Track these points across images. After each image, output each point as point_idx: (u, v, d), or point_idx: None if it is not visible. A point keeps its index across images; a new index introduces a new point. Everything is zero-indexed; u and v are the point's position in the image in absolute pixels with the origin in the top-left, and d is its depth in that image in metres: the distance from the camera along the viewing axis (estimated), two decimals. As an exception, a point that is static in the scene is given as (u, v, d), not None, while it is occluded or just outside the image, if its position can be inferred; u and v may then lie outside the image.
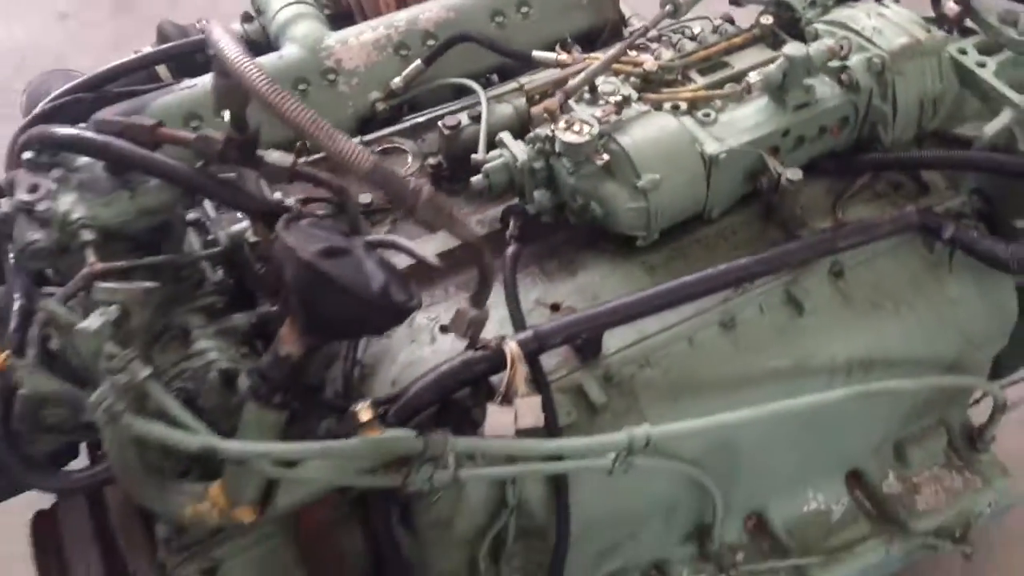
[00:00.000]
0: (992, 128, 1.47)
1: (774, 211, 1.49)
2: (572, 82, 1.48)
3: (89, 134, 1.11)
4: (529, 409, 1.22)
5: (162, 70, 1.88)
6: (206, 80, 1.64)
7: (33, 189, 1.13)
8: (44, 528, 1.33)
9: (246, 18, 1.97)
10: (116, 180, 1.15)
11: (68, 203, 1.13)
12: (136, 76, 1.83)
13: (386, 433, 1.06)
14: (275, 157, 1.11)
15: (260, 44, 1.93)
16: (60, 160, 1.17)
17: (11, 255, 1.19)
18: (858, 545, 1.61)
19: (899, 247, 1.49)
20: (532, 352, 1.26)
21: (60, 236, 1.12)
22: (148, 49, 1.88)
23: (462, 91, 1.76)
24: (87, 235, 1.11)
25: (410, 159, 1.65)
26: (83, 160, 1.18)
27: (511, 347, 1.23)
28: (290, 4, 1.83)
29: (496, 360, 1.23)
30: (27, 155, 1.16)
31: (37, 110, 1.72)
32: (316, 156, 1.46)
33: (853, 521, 1.64)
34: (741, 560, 1.57)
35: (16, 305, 1.16)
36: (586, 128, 1.38)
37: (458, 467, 1.11)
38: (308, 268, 0.95)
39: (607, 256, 1.47)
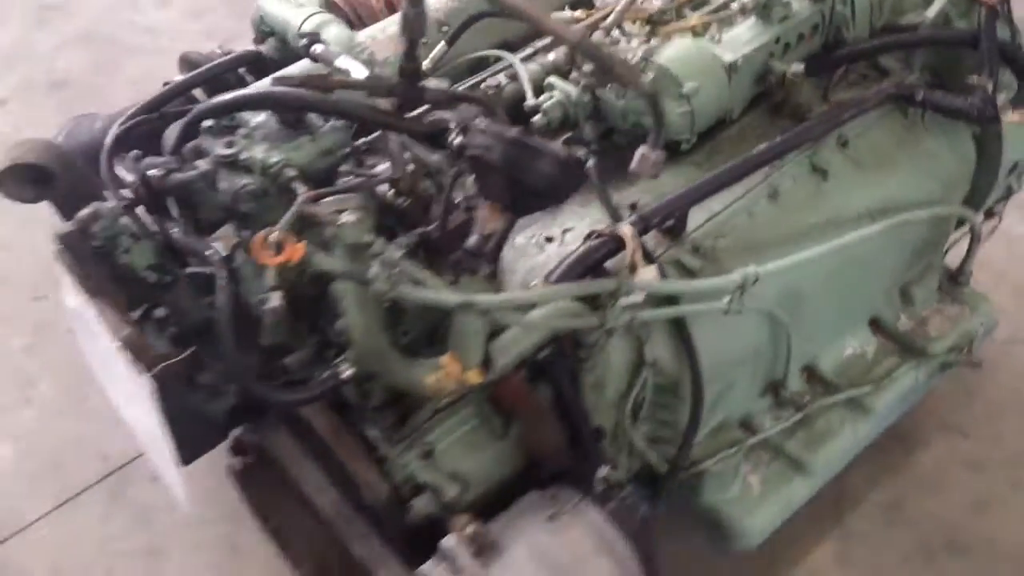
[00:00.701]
0: (932, 10, 1.85)
1: (782, 104, 1.81)
2: (605, 22, 1.77)
3: (279, 88, 1.31)
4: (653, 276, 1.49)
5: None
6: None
7: (229, 145, 1.32)
8: (247, 473, 1.47)
9: (260, 40, 2.17)
10: (292, 130, 1.35)
11: (263, 151, 1.32)
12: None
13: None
14: (433, 84, 1.34)
15: (278, 61, 2.14)
16: (237, 123, 1.36)
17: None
18: (894, 374, 1.94)
19: (883, 118, 1.84)
20: (640, 232, 1.52)
21: (263, 179, 1.31)
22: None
23: (478, 67, 2.02)
24: (290, 172, 1.30)
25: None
26: (258, 119, 1.37)
27: (625, 230, 1.49)
28: (312, 15, 2.04)
29: (614, 243, 1.48)
30: (207, 124, 1.36)
31: (109, 138, 1.87)
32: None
33: (884, 358, 1.96)
34: (807, 401, 1.87)
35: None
36: (629, 55, 1.67)
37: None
38: (517, 143, 1.18)
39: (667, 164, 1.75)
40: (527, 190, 1.23)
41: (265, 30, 2.14)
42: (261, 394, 1.32)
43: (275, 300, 1.24)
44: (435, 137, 1.37)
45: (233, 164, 1.33)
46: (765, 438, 1.81)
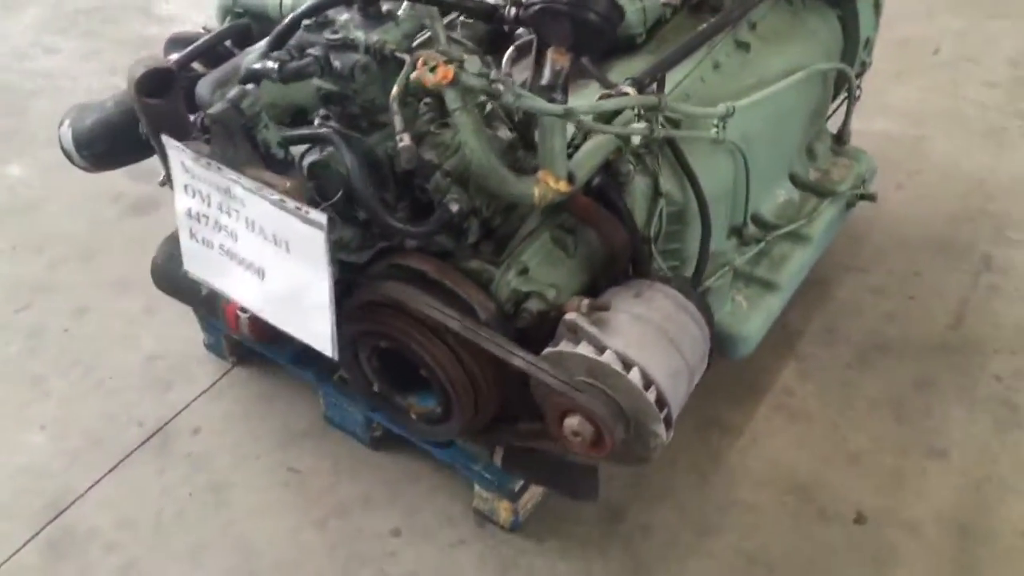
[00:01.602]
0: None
1: (702, 4, 2.28)
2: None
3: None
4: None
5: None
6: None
7: (335, 32, 1.60)
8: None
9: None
10: (375, 20, 1.65)
11: (362, 35, 1.61)
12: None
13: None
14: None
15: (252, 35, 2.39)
16: (330, 20, 1.65)
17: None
18: (818, 210, 2.42)
19: (775, 6, 2.34)
20: (638, 91, 1.91)
21: (368, 57, 1.60)
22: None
23: None
24: (391, 46, 1.60)
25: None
26: (344, 16, 1.66)
27: (626, 88, 1.88)
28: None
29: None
30: (306, 22, 1.64)
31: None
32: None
33: (807, 201, 2.44)
34: (763, 237, 2.31)
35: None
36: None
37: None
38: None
39: (623, 57, 2.16)
40: (589, 28, 1.59)
41: (238, 11, 2.41)
42: (396, 229, 1.59)
43: (406, 139, 1.54)
44: (490, 16, 1.71)
45: (343, 46, 1.61)
46: (737, 268, 2.23)
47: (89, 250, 2.85)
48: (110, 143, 2.20)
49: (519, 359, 1.62)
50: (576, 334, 1.60)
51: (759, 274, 2.26)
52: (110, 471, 2.26)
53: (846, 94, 2.54)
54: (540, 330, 1.70)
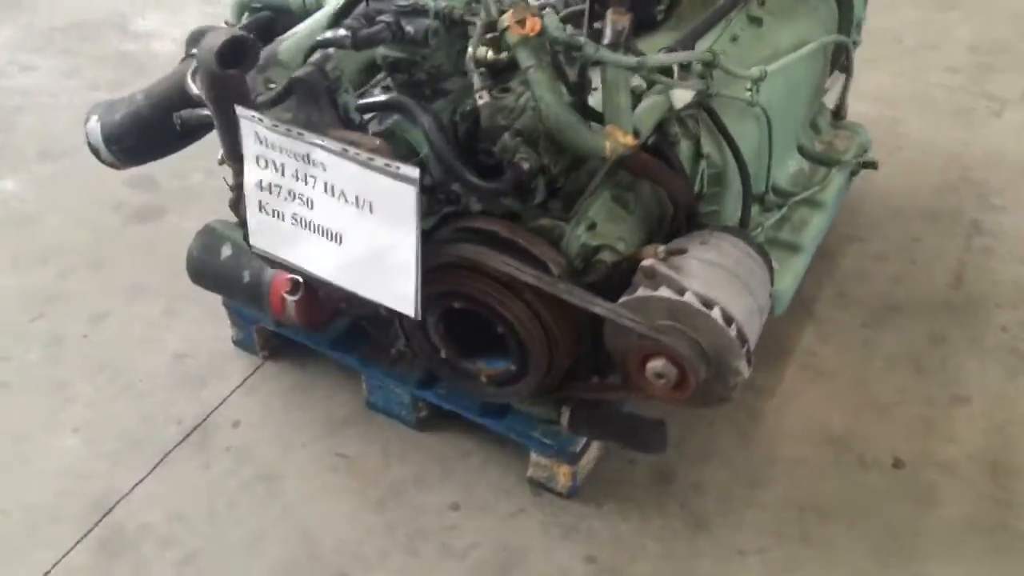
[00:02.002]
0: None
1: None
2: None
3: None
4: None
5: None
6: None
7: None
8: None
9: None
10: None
11: (431, 0, 1.66)
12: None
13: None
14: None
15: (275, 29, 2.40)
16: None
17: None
18: (828, 177, 2.53)
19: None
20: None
21: (437, 21, 1.65)
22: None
23: None
24: (459, 10, 1.66)
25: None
26: None
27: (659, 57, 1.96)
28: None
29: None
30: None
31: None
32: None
33: (816, 170, 2.55)
34: (783, 203, 2.40)
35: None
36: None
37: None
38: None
39: (645, 33, 2.24)
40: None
41: (256, 6, 2.43)
42: (476, 186, 1.64)
43: (486, 96, 1.58)
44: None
45: (413, 12, 1.65)
46: (764, 233, 2.32)
47: (97, 259, 2.80)
48: (141, 136, 2.20)
49: (600, 307, 1.67)
50: (655, 279, 1.65)
51: (783, 237, 2.35)
52: (153, 469, 2.23)
53: (840, 70, 2.68)
54: (608, 283, 1.75)
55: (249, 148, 1.70)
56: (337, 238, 1.70)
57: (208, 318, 2.55)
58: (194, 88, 2.05)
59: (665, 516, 2.12)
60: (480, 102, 1.60)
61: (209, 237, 2.24)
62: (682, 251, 1.68)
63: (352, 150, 1.56)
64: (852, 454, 2.26)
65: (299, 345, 2.44)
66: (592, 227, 1.77)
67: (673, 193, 1.81)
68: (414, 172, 1.52)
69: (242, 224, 1.96)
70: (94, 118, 2.24)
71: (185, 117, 2.11)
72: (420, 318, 1.68)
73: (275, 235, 1.78)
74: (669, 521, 2.12)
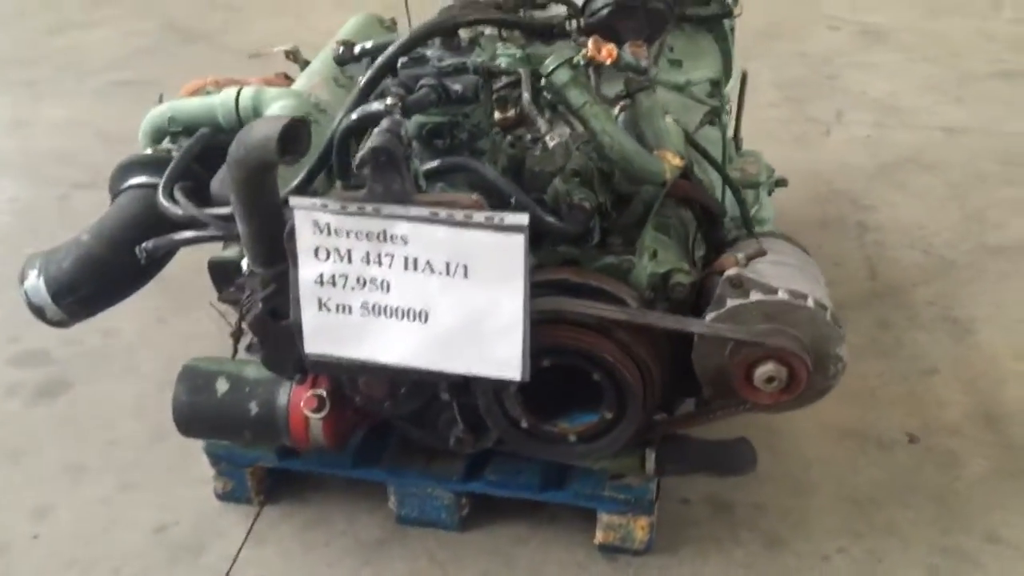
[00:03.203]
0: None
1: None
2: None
3: (451, 17, 1.64)
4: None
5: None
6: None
7: (440, 60, 1.60)
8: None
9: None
10: (458, 49, 1.67)
11: (469, 59, 1.62)
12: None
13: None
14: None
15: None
16: (421, 55, 1.64)
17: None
18: (758, 200, 2.68)
19: (673, 32, 2.62)
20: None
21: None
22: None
23: None
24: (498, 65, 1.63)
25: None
26: (430, 51, 1.66)
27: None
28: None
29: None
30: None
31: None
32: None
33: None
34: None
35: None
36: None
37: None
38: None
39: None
40: (657, 16, 1.72)
41: (174, 130, 2.24)
42: (557, 229, 1.59)
43: (556, 136, 1.55)
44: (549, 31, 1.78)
45: (455, 71, 1.59)
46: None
47: (12, 450, 2.40)
48: (99, 281, 1.97)
49: (699, 326, 1.65)
50: (742, 287, 1.66)
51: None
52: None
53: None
54: (683, 307, 1.75)
55: (305, 241, 1.55)
56: (421, 316, 1.57)
57: (176, 480, 2.26)
58: (173, 208, 1.87)
59: (741, 544, 2.09)
60: (552, 143, 1.56)
61: (195, 378, 2.00)
62: (762, 253, 1.72)
63: (443, 212, 1.47)
64: (871, 440, 2.36)
65: (296, 481, 2.22)
66: (654, 255, 1.76)
67: (710, 210, 1.85)
68: (522, 219, 1.45)
69: (261, 345, 1.79)
70: (32, 274, 1.96)
71: (152, 247, 1.91)
72: (528, 379, 1.58)
73: (339, 333, 1.62)
74: (747, 548, 2.08)
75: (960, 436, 2.36)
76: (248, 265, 1.68)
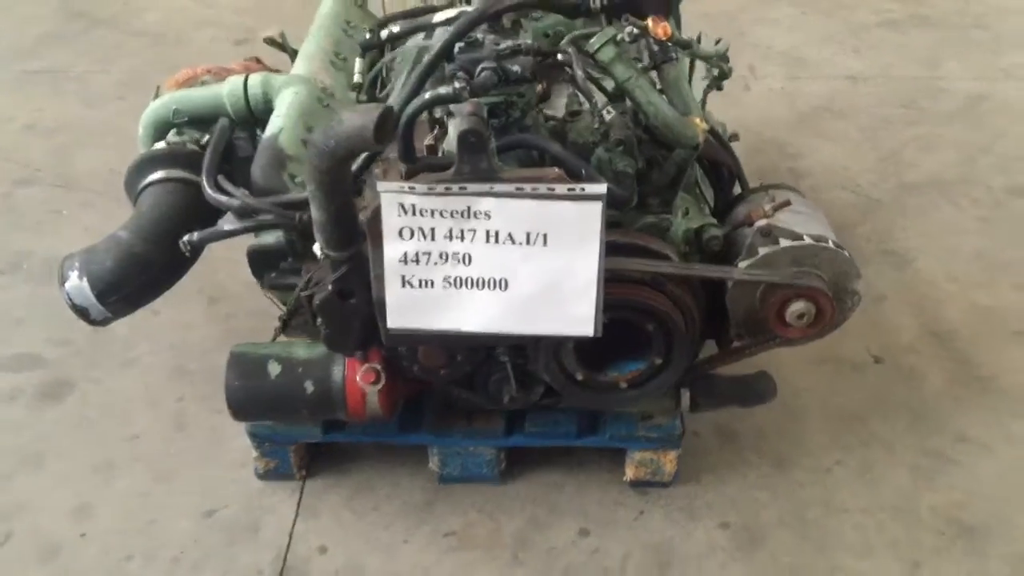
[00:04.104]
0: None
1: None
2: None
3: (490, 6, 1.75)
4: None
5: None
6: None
7: (496, 44, 1.71)
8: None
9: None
10: (508, 32, 1.78)
11: (523, 41, 1.74)
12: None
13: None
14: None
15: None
16: (474, 40, 1.74)
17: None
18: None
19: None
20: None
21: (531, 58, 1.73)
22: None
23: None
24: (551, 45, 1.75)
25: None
26: (478, 35, 1.76)
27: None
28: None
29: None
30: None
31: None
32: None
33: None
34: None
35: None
36: None
37: None
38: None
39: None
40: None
41: (178, 122, 2.25)
42: (620, 196, 1.74)
43: (613, 110, 1.70)
44: (575, 9, 1.91)
45: (512, 53, 1.70)
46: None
47: (31, 456, 2.37)
48: (143, 277, 2.00)
49: (740, 274, 1.84)
50: (771, 235, 1.86)
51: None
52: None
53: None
54: (716, 256, 1.94)
55: (390, 223, 1.64)
56: (501, 284, 1.69)
57: (210, 465, 2.32)
58: (226, 200, 1.92)
59: (753, 466, 2.33)
60: (609, 116, 1.71)
61: (245, 363, 2.05)
62: (786, 204, 1.92)
63: (528, 187, 1.59)
64: (844, 364, 2.63)
65: (334, 453, 2.31)
66: (686, 213, 1.94)
67: (730, 167, 2.05)
68: (601, 188, 1.59)
69: (325, 329, 1.86)
70: (73, 275, 1.97)
71: (198, 240, 1.95)
72: (600, 334, 1.73)
73: (421, 306, 1.72)
74: (758, 469, 2.33)
75: (916, 353, 2.67)
76: (321, 250, 1.76)
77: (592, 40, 1.78)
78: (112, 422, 2.46)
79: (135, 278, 1.97)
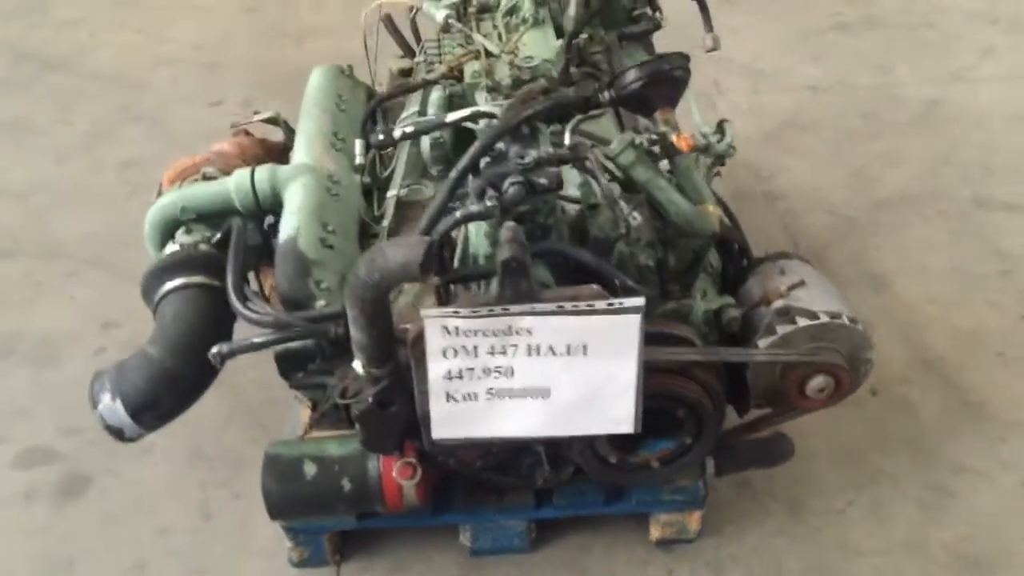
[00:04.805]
0: None
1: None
2: None
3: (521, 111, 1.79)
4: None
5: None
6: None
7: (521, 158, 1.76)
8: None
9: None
10: (527, 139, 1.83)
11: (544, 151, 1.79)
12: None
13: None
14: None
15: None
16: (500, 156, 1.79)
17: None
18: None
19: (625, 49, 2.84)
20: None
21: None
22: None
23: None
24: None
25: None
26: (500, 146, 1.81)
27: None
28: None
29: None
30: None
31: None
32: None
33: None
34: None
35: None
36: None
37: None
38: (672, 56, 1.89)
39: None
40: (681, 83, 1.94)
41: (187, 219, 2.25)
42: (635, 291, 1.80)
43: (638, 216, 1.75)
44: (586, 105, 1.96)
45: (537, 164, 1.74)
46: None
47: (60, 562, 2.37)
48: (174, 393, 2.01)
49: (762, 355, 1.92)
50: (788, 314, 1.94)
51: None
52: None
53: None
54: (734, 337, 2.02)
55: (434, 344, 1.68)
56: (543, 393, 1.75)
57: (242, 556, 2.34)
58: (255, 316, 1.93)
59: (770, 513, 2.43)
60: (635, 223, 1.76)
61: (280, 465, 2.08)
62: (801, 283, 1.99)
63: (568, 305, 1.64)
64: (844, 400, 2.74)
65: (365, 536, 2.35)
66: (704, 294, 2.01)
67: (742, 245, 2.12)
68: (639, 301, 1.65)
69: (363, 434, 1.90)
70: (106, 397, 1.97)
71: (228, 351, 1.96)
72: (640, 431, 1.80)
73: (466, 418, 1.77)
74: (775, 516, 2.43)
75: (908, 383, 2.79)
76: (363, 367, 1.79)
77: (612, 146, 1.83)
78: (137, 516, 2.46)
79: (168, 395, 1.98)
